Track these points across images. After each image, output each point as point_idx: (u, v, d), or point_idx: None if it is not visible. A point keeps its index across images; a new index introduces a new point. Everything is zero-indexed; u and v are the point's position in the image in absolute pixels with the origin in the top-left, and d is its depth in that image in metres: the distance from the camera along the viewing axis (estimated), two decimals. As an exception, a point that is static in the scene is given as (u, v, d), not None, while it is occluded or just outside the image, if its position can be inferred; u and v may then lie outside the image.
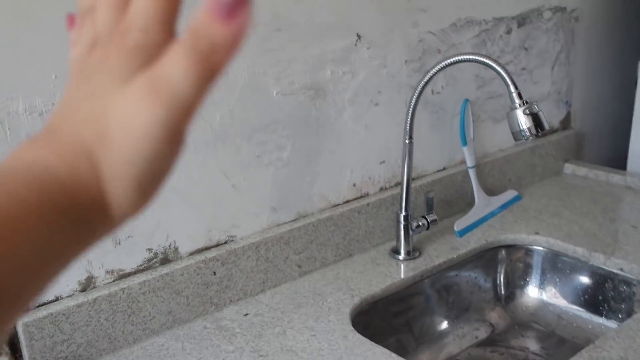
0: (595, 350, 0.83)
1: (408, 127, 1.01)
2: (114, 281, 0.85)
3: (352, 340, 0.87)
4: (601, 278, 1.10)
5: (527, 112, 0.93)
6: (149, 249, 0.87)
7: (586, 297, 1.13)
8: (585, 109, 1.50)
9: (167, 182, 0.29)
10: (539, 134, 0.94)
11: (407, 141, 1.02)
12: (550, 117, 1.41)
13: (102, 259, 0.83)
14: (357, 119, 1.05)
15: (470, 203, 1.24)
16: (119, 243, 0.84)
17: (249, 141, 0.93)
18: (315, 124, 1.00)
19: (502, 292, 1.19)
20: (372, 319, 1.00)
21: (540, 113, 0.94)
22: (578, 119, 1.48)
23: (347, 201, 1.08)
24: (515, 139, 0.95)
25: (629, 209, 1.26)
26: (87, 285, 0.83)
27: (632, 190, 1.35)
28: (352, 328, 0.90)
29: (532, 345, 1.13)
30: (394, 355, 0.84)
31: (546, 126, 0.94)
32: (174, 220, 0.89)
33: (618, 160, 1.54)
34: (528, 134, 0.93)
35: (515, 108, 0.94)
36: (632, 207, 1.27)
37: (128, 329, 0.85)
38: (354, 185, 1.08)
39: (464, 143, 1.20)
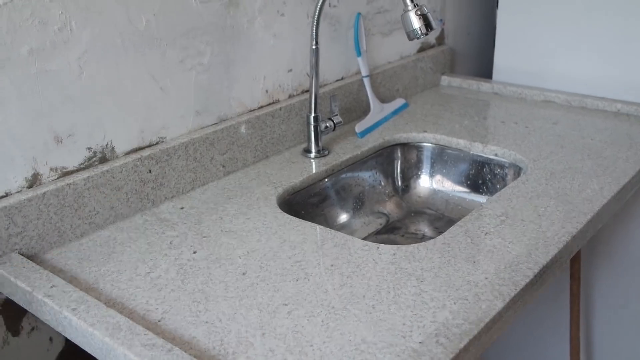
0: (482, 210, 1.01)
1: (314, 33, 1.12)
2: (58, 178, 0.89)
3: (282, 219, 0.98)
4: (480, 164, 1.29)
5: (418, 13, 1.07)
6: (88, 148, 0.92)
7: (469, 182, 1.31)
8: (457, 27, 1.69)
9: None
10: (428, 33, 1.08)
11: (314, 46, 1.13)
12: (429, 34, 1.57)
13: (46, 157, 0.88)
14: (267, 28, 1.14)
15: (366, 110, 1.38)
16: (61, 141, 0.89)
17: (172, 46, 0.99)
18: (230, 32, 1.08)
19: (399, 184, 1.35)
20: (293, 208, 1.11)
21: (429, 14, 1.08)
22: (451, 37, 1.67)
23: (261, 106, 1.18)
24: (409, 38, 1.08)
25: (497, 109, 1.47)
26: (34, 182, 0.87)
27: (498, 95, 1.56)
28: (281, 211, 1.01)
29: (426, 227, 1.30)
30: (321, 226, 0.96)
31: (434, 25, 1.08)
32: (110, 121, 0.94)
33: (485, 72, 1.75)
34: (419, 32, 1.07)
35: (408, 10, 1.07)
36: (500, 107, 1.48)
37: (75, 222, 0.91)
38: (267, 91, 1.18)
39: (359, 54, 1.33)
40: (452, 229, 0.94)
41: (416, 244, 0.90)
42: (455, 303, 0.76)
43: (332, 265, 0.85)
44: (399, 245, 0.90)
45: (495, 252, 0.87)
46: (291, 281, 0.81)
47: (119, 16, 0.91)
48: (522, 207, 1.00)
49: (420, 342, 0.69)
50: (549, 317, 1.67)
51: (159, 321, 0.74)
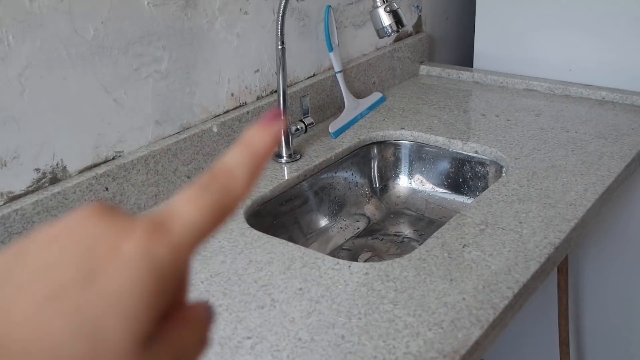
0: (461, 218, 0.96)
1: (279, 32, 1.05)
2: (4, 204, 0.83)
3: (249, 236, 0.92)
4: (460, 162, 1.24)
5: (388, 9, 1.00)
6: (36, 169, 0.86)
7: (449, 180, 1.26)
8: (435, 12, 1.62)
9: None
10: (399, 30, 1.02)
11: (279, 46, 1.06)
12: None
13: (-11, 182, 0.81)
14: (229, 28, 1.07)
15: (340, 107, 1.32)
16: (5, 165, 0.82)
17: (125, 54, 0.93)
18: (189, 34, 1.01)
19: (377, 185, 1.30)
20: (264, 219, 1.06)
21: (399, 10, 1.01)
22: (429, 23, 1.60)
23: (227, 111, 1.12)
24: (379, 36, 1.02)
25: (478, 101, 1.41)
26: (-24, 210, 0.81)
27: (479, 84, 1.50)
28: (249, 226, 0.95)
29: (406, 229, 1.25)
30: (290, 243, 0.90)
31: (405, 22, 1.02)
32: (59, 139, 0.88)
33: (465, 59, 1.69)
34: (390, 30, 1.01)
35: (377, 7, 1.01)
36: (481, 98, 1.42)
37: (25, 250, 0.85)
38: (232, 95, 1.12)
39: (330, 49, 1.26)
40: (429, 241, 0.89)
41: (390, 261, 0.85)
42: (430, 330, 0.71)
43: (300, 289, 0.79)
44: (372, 263, 0.85)
45: (474, 267, 0.82)
46: (256, 309, 0.76)
47: (63, 26, 0.84)
48: (503, 213, 0.95)
49: (391, 380, 0.64)
50: (537, 309, 1.64)
51: (111, 363, 0.68)
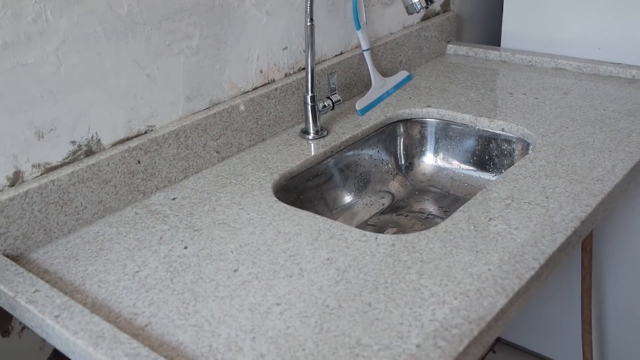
0: (487, 192, 0.96)
1: (309, 10, 1.06)
2: (41, 174, 0.86)
3: (277, 208, 0.94)
4: (486, 140, 1.24)
5: (417, -15, 1.00)
6: (72, 142, 0.89)
7: (475, 158, 1.26)
8: (462, -8, 1.61)
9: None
10: (428, 6, 1.02)
11: (308, 23, 1.07)
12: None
13: (27, 153, 0.84)
14: (259, 6, 1.09)
15: (367, 85, 1.33)
16: (42, 137, 0.85)
17: (158, 30, 0.95)
18: (219, 11, 1.03)
19: (402, 162, 1.30)
20: (290, 194, 1.07)
21: (428, -14, 1.02)
22: (457, 3, 1.59)
23: (256, 88, 1.13)
24: (409, 12, 1.03)
25: (505, 79, 1.40)
26: (15, 180, 0.84)
27: (506, 63, 1.50)
28: (276, 199, 0.97)
29: (431, 206, 1.26)
30: (318, 216, 0.92)
31: (434, -2, 1.02)
32: (94, 112, 0.90)
33: (493, 39, 1.68)
34: (419, 6, 1.01)
35: (406, -17, 1.01)
36: (508, 77, 1.41)
37: (62, 219, 0.88)
38: (261, 72, 1.13)
39: (358, 27, 1.27)
40: (455, 215, 0.90)
41: (416, 233, 0.86)
42: (455, 299, 0.72)
43: (327, 259, 0.81)
44: (398, 235, 0.86)
45: (500, 239, 0.83)
46: (285, 277, 0.78)
47: (98, 3, 0.86)
48: (529, 189, 0.95)
49: (417, 345, 0.66)
50: (560, 288, 1.64)
51: (145, 326, 0.71)
